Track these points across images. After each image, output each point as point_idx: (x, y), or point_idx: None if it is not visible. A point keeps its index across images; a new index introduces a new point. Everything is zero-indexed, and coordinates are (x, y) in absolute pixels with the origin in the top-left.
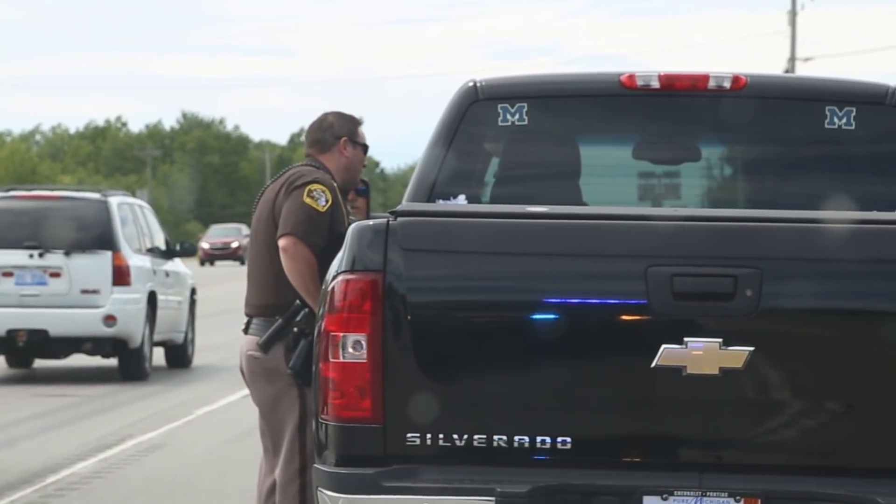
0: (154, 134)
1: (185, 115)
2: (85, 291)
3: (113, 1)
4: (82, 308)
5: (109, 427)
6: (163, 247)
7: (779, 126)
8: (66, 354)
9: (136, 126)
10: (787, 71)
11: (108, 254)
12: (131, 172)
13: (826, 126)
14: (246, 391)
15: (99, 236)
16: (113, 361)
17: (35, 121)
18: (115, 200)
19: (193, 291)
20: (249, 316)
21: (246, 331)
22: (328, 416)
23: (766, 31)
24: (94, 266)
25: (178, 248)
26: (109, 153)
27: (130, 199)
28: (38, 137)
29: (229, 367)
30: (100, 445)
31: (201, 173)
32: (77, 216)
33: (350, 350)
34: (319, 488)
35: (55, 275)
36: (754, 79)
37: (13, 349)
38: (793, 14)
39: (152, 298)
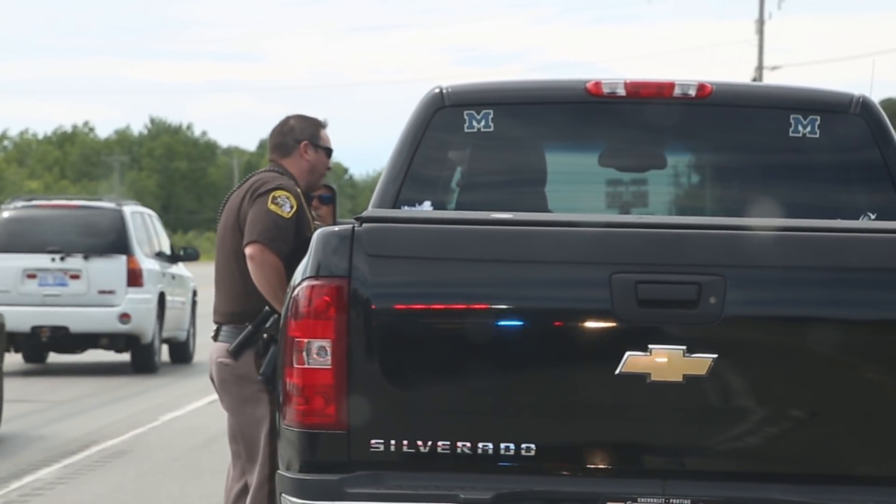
0: (122, 139)
1: (153, 121)
2: (102, 292)
3: (81, 5)
4: (100, 307)
5: (74, 433)
6: (168, 251)
7: (744, 134)
8: (84, 349)
9: (103, 131)
10: (754, 79)
11: (123, 258)
12: (99, 178)
13: (791, 134)
14: (213, 397)
15: (115, 242)
16: (75, 363)
17: (2, 126)
18: (129, 209)
19: (195, 293)
20: (218, 323)
21: (216, 338)
22: (292, 422)
23: (734, 40)
24: (110, 269)
25: (181, 253)
26: (77, 158)
27: (141, 208)
28: (5, 143)
29: (197, 372)
30: (65, 451)
31: (169, 179)
32: (94, 223)
33: (314, 356)
34: (283, 494)
35: (75, 276)
36: (720, 87)
37: (37, 344)
38: (760, 23)
39: (162, 298)
